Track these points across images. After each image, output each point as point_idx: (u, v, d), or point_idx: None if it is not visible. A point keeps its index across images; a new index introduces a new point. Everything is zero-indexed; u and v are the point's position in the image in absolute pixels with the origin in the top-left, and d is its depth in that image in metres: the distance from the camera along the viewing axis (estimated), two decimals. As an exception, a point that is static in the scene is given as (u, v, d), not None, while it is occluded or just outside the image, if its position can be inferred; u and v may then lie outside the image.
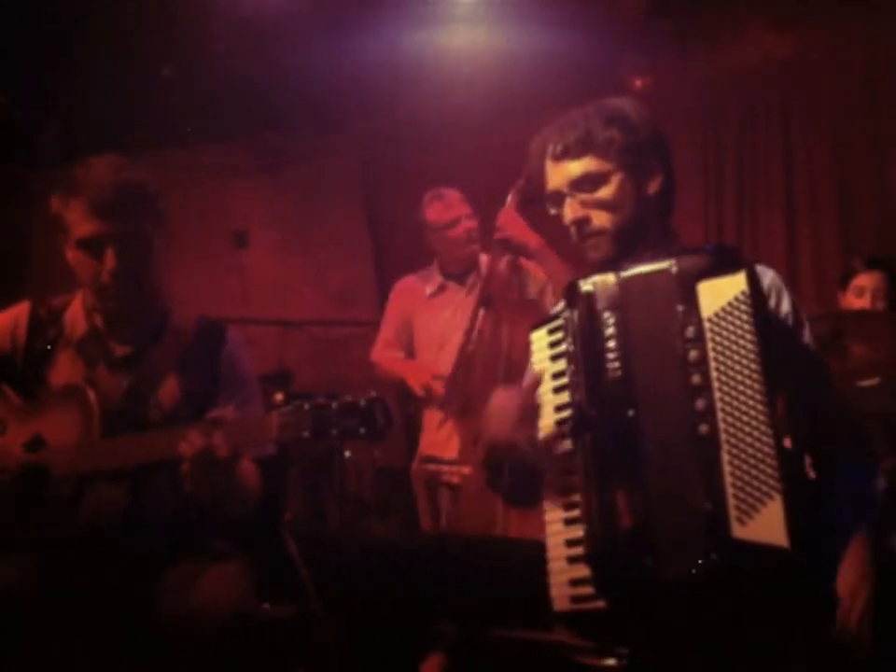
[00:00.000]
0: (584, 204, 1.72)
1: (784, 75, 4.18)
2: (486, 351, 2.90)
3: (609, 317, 1.58)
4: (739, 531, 1.38)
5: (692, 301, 1.50)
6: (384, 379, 3.29)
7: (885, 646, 1.69)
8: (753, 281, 1.49)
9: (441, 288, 3.32)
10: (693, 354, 1.48)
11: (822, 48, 4.05)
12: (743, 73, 4.25)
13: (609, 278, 1.60)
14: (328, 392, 1.66)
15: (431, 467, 2.96)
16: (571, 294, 1.62)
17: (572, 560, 1.53)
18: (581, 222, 1.72)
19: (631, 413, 1.51)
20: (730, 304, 1.47)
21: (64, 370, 1.94)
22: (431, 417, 3.15)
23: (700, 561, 1.40)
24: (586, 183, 1.71)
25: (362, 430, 1.62)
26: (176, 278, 2.05)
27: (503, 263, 3.08)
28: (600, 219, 1.71)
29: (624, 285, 1.58)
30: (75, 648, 1.73)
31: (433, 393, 3.02)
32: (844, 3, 3.90)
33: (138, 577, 1.78)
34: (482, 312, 2.96)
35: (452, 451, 2.96)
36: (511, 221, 2.94)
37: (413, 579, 1.66)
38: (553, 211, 1.78)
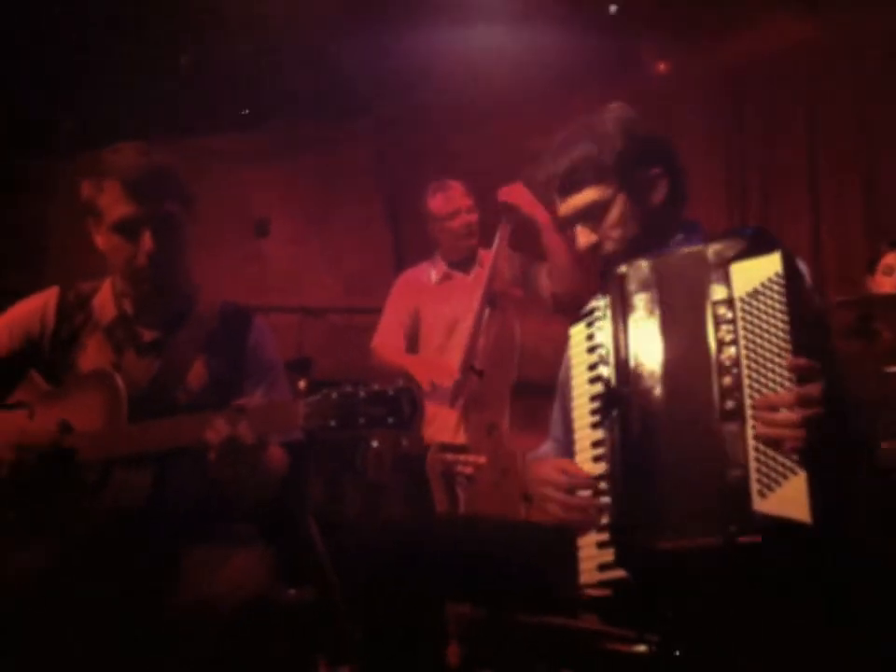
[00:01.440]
0: (594, 230, 1.77)
1: (806, 59, 4.14)
2: (496, 345, 2.91)
3: (640, 298, 1.60)
4: (759, 504, 1.38)
5: (725, 281, 1.51)
6: (382, 368, 3.30)
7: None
8: (789, 262, 1.48)
9: (447, 276, 3.37)
10: (722, 332, 1.49)
11: (844, 30, 4.01)
12: (764, 58, 4.21)
13: (643, 262, 1.63)
14: (355, 380, 1.65)
15: (448, 457, 2.97)
16: (605, 280, 1.66)
17: (602, 545, 1.54)
18: (595, 246, 1.78)
19: (658, 390, 1.53)
20: (763, 285, 1.47)
21: (93, 355, 1.94)
22: (436, 407, 3.16)
23: (719, 533, 1.40)
24: (592, 212, 1.76)
25: (390, 420, 1.61)
26: (195, 265, 2.05)
27: (505, 262, 3.10)
28: (612, 241, 1.77)
29: (656, 267, 1.62)
30: (95, 631, 1.74)
31: (438, 387, 3.03)
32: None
33: (160, 561, 1.78)
34: (487, 311, 2.98)
35: (461, 435, 2.96)
36: (519, 191, 2.97)
37: (434, 564, 1.66)
38: (566, 231, 1.84)
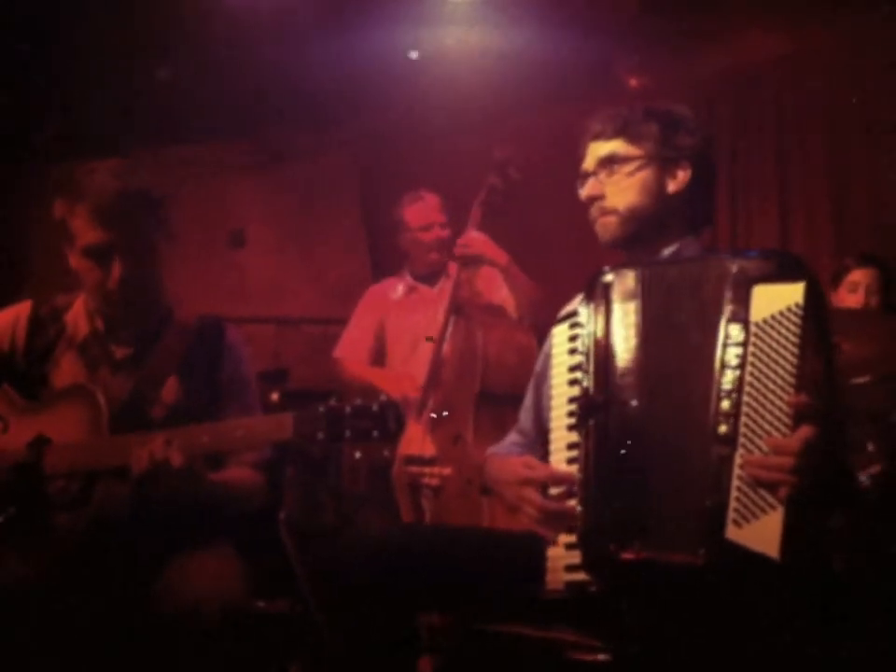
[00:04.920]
0: (602, 183, 1.79)
1: (777, 73, 4.17)
2: (460, 355, 2.94)
3: (626, 308, 1.60)
4: (733, 532, 1.39)
5: (744, 302, 1.48)
6: (346, 379, 3.33)
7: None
8: (812, 294, 1.45)
9: (412, 291, 3.38)
10: (730, 354, 1.47)
11: (815, 46, 4.04)
12: (736, 71, 4.24)
13: (629, 271, 1.63)
14: (330, 392, 1.71)
15: (413, 469, 2.99)
16: (590, 286, 1.66)
17: (570, 546, 1.56)
18: (595, 198, 1.80)
19: (642, 402, 1.53)
20: (781, 313, 1.45)
21: (67, 371, 1.97)
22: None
23: (687, 551, 1.42)
24: (610, 163, 1.79)
25: (375, 433, 1.66)
26: (173, 275, 2.07)
27: (470, 271, 3.14)
28: (613, 200, 1.78)
29: (648, 277, 1.61)
30: (74, 641, 1.76)
31: (408, 400, 3.04)
32: (836, 2, 3.90)
33: (138, 571, 1.81)
34: (452, 319, 3.00)
35: (429, 447, 2.98)
36: (476, 239, 3.01)
37: (406, 573, 1.68)
38: (579, 190, 1.85)
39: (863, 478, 2.33)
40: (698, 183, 1.80)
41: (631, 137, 1.79)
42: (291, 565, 2.54)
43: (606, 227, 1.80)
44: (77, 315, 2.02)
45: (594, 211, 1.81)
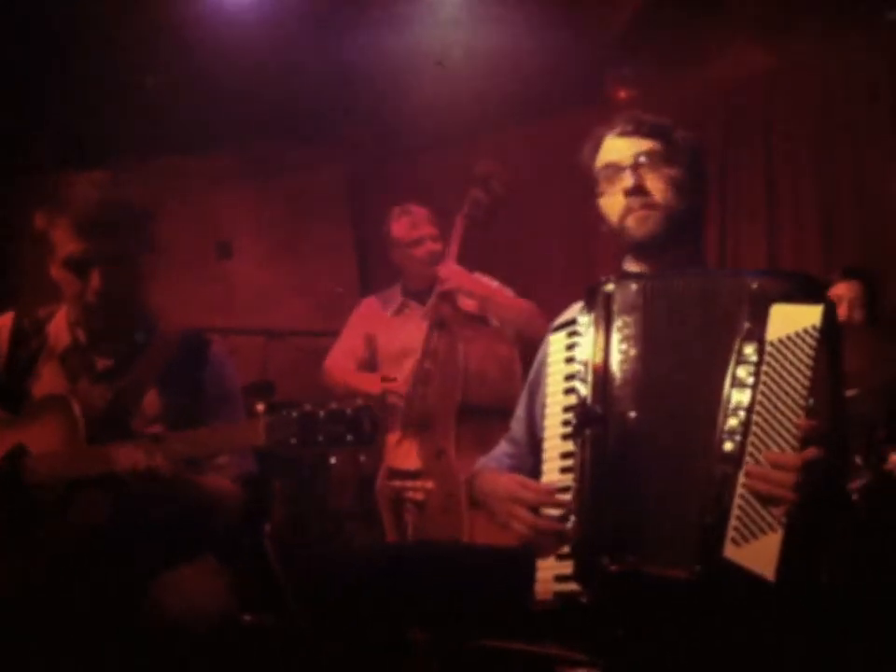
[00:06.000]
0: (643, 178, 1.73)
1: (765, 87, 4.19)
2: (443, 369, 2.94)
3: (626, 319, 1.58)
4: (731, 551, 1.39)
5: (761, 320, 1.47)
6: (333, 387, 3.34)
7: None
8: (829, 318, 1.44)
9: (403, 307, 3.38)
10: (743, 372, 1.46)
11: (803, 61, 4.07)
12: (725, 86, 4.26)
13: (632, 282, 1.61)
14: (316, 402, 1.68)
15: (396, 483, 2.99)
16: (590, 296, 1.64)
17: (561, 557, 1.54)
18: (640, 189, 1.72)
19: (641, 415, 1.51)
20: (797, 334, 1.43)
21: (48, 382, 1.95)
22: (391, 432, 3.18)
23: (683, 568, 1.41)
24: (654, 158, 1.74)
25: (349, 437, 1.64)
26: (161, 286, 2.06)
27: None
28: (659, 194, 1.72)
29: (651, 289, 1.59)
30: (59, 652, 1.74)
31: (388, 394, 3.05)
32: (824, 17, 3.93)
33: (123, 583, 1.79)
34: (435, 333, 3.00)
35: (413, 461, 2.98)
36: (455, 273, 3.01)
37: (393, 587, 1.67)
38: (597, 188, 1.79)
39: (851, 491, 2.34)
40: (703, 205, 1.80)
41: (667, 141, 1.76)
42: (277, 578, 2.53)
43: (645, 220, 1.73)
44: (59, 327, 2.01)
45: (633, 202, 1.72)
